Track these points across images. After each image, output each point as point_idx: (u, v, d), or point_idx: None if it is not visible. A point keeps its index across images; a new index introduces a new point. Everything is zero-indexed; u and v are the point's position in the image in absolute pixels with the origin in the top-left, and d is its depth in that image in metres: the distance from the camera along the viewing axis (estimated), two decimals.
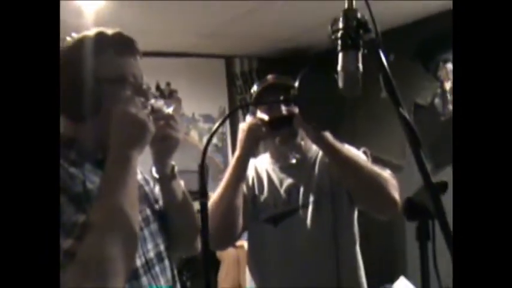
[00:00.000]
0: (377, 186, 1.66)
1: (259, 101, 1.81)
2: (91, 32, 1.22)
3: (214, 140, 4.80)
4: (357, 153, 1.75)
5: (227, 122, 4.81)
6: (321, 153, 1.83)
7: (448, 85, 3.69)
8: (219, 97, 4.76)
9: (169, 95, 4.67)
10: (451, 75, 3.66)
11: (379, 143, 3.79)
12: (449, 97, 3.67)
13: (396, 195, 1.66)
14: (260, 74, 4.83)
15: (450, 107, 3.66)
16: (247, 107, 4.23)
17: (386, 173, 1.70)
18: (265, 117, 1.73)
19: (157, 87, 4.58)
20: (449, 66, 3.66)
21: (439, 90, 3.74)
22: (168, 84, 4.63)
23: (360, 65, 1.13)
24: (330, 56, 1.18)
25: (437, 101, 3.75)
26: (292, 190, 1.82)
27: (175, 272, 1.38)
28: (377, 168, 1.69)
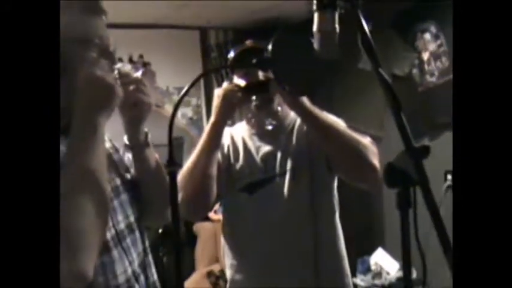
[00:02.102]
0: (356, 152, 1.61)
1: (230, 65, 1.76)
2: None
3: (189, 113, 4.74)
4: (336, 120, 1.71)
5: (202, 94, 4.75)
6: (298, 120, 1.78)
7: (425, 55, 3.66)
8: (194, 69, 4.66)
9: (141, 67, 4.57)
10: (428, 46, 3.62)
11: (356, 114, 3.76)
12: (427, 68, 3.65)
13: (376, 162, 1.62)
14: (235, 46, 4.74)
15: (428, 77, 3.64)
16: (221, 76, 4.19)
17: (366, 140, 1.66)
18: (242, 82, 1.68)
19: (130, 60, 4.49)
20: (427, 36, 3.62)
21: (416, 61, 3.71)
22: (141, 56, 4.54)
23: (337, 26, 1.09)
24: (307, 25, 1.13)
25: (415, 71, 3.73)
26: (269, 158, 1.77)
27: (147, 243, 1.34)
28: (356, 135, 1.65)
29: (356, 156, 1.61)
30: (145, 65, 4.57)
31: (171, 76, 4.59)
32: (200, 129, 4.73)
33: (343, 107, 3.74)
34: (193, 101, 4.75)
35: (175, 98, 4.63)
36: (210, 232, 4.24)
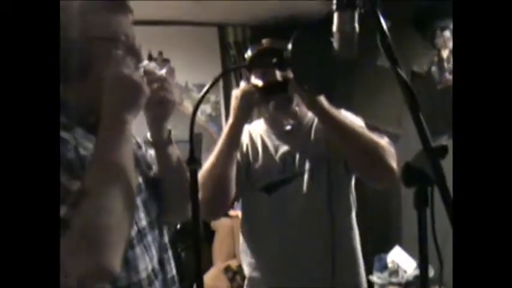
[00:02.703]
0: (374, 153, 1.61)
1: (250, 65, 1.76)
2: None
3: (208, 110, 4.76)
4: (354, 119, 1.71)
5: (221, 91, 4.76)
6: (316, 119, 1.78)
7: (445, 53, 3.63)
8: (213, 66, 4.68)
9: (162, 64, 4.59)
10: (448, 43, 3.59)
11: (375, 112, 3.75)
12: (446, 65, 3.62)
13: (394, 163, 1.61)
14: (254, 43, 4.74)
15: (447, 75, 3.61)
16: (240, 73, 4.19)
17: (384, 141, 1.66)
18: (259, 82, 1.68)
19: (150, 57, 4.51)
20: (447, 33, 3.59)
21: (436, 58, 3.68)
22: (160, 53, 4.56)
23: (356, 26, 1.09)
24: (326, 24, 1.13)
25: (434, 69, 3.70)
26: (287, 158, 1.78)
27: (167, 239, 1.36)
28: (374, 136, 1.65)
29: (373, 158, 1.61)
30: (165, 61, 4.60)
31: (189, 73, 4.60)
32: (219, 126, 4.75)
33: (362, 105, 3.73)
34: (212, 97, 4.76)
35: (194, 94, 4.64)
36: (228, 228, 4.26)
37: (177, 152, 1.36)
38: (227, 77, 4.72)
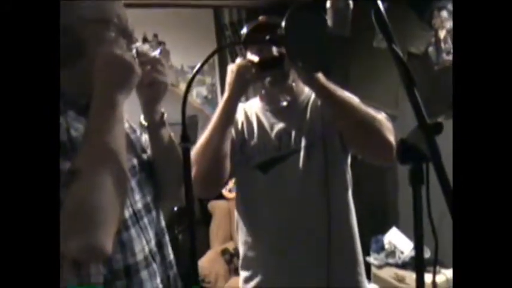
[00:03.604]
0: (371, 128, 1.59)
1: (244, 42, 1.74)
2: None
3: (204, 92, 4.74)
4: (351, 96, 1.69)
5: (217, 73, 4.73)
6: (313, 96, 1.77)
7: (442, 34, 3.61)
8: (208, 48, 4.60)
9: (156, 46, 4.57)
10: (445, 24, 3.57)
11: (371, 92, 3.73)
12: (444, 46, 3.60)
13: (392, 138, 1.59)
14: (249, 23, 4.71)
15: (444, 56, 3.59)
16: (236, 54, 4.16)
17: (381, 116, 1.64)
18: (255, 58, 1.66)
19: (145, 39, 4.48)
20: (444, 14, 3.57)
21: (433, 39, 3.66)
22: (155, 35, 4.54)
23: (351, 2, 1.07)
24: (320, 2, 1.12)
25: (431, 50, 3.68)
26: (283, 135, 1.77)
27: (164, 223, 1.36)
28: (371, 110, 1.63)
29: (371, 132, 1.59)
30: (160, 44, 4.57)
31: (185, 55, 4.57)
32: (215, 108, 4.71)
33: (358, 86, 3.71)
34: (208, 80, 4.74)
35: (190, 76, 4.62)
36: (225, 210, 4.27)
37: (171, 134, 1.36)
38: (223, 59, 4.71)
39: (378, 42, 3.73)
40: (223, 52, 4.79)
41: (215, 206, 4.32)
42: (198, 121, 3.84)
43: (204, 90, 4.74)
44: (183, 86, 4.52)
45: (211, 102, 4.75)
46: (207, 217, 4.36)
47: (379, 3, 0.98)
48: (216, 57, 4.73)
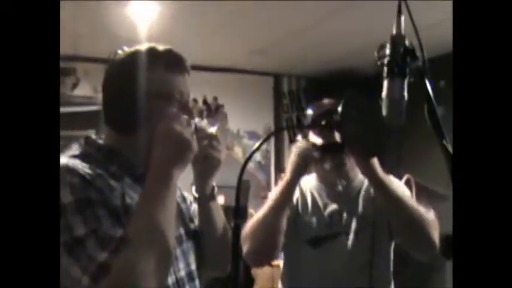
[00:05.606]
0: (419, 227, 1.62)
1: (308, 126, 1.78)
2: (143, 46, 1.22)
3: (258, 157, 4.80)
4: (404, 189, 1.72)
5: (272, 140, 4.81)
6: (366, 182, 1.80)
7: None
8: (265, 114, 4.75)
9: (215, 109, 4.71)
10: None
11: (425, 172, 3.70)
12: None
13: (437, 239, 1.62)
14: (307, 94, 4.80)
15: None
16: (293, 128, 4.21)
17: (430, 214, 1.66)
18: (318, 141, 1.71)
19: (204, 101, 4.61)
20: None
21: None
22: (215, 98, 4.66)
23: (406, 94, 1.09)
24: (378, 80, 1.14)
25: None
26: (334, 215, 1.80)
27: None
28: (421, 208, 1.65)
29: (417, 231, 1.62)
30: (219, 107, 4.68)
31: (242, 119, 4.67)
32: (268, 174, 4.77)
33: (412, 163, 3.70)
34: (263, 146, 4.80)
35: (245, 140, 4.70)
36: (268, 276, 4.22)
37: (220, 208, 1.39)
38: (278, 126, 4.78)
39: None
40: (280, 120, 4.87)
41: (259, 271, 4.28)
42: (250, 186, 3.87)
43: (258, 156, 4.80)
44: (237, 150, 4.59)
45: (264, 168, 4.79)
46: (250, 282, 4.32)
47: (433, 99, 1.00)
48: (272, 125, 4.81)
